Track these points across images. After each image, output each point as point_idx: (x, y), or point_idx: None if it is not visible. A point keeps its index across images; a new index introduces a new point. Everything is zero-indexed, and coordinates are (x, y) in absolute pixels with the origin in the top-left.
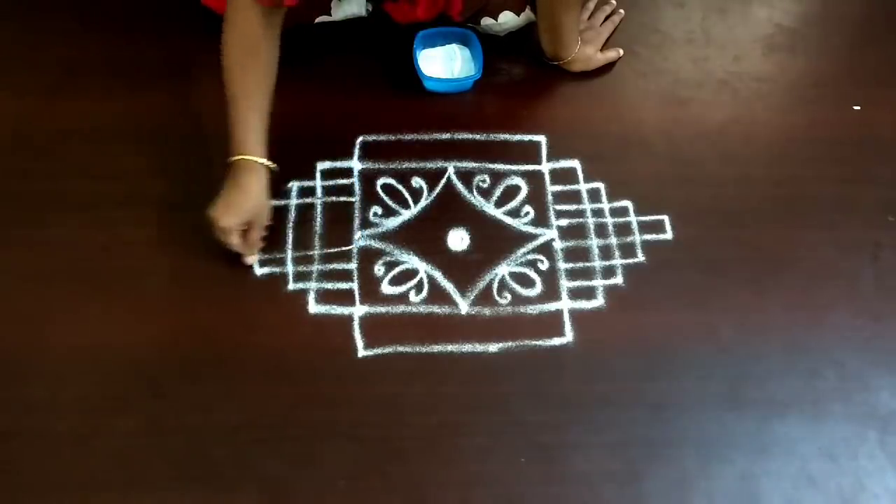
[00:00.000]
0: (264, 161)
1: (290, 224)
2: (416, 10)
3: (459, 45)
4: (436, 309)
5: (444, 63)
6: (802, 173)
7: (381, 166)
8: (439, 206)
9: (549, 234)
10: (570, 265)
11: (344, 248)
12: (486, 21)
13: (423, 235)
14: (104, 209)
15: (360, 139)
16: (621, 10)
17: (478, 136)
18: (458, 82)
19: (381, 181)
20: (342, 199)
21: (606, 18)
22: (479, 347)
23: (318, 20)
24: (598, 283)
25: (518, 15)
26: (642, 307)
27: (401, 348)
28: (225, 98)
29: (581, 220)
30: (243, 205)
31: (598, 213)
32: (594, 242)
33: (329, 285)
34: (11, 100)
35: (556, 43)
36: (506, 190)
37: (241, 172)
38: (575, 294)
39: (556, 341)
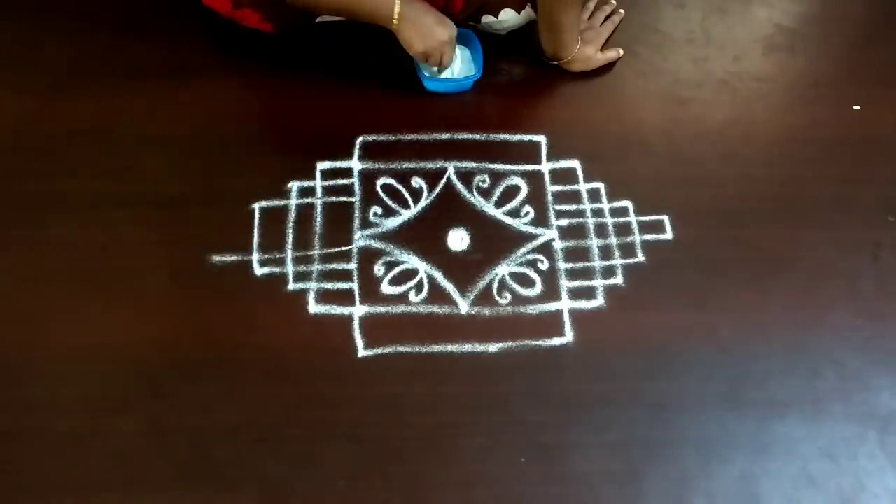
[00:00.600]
0: None
1: (290, 224)
2: None
3: (459, 44)
4: (436, 309)
5: None
6: (802, 173)
7: (381, 166)
8: (439, 206)
9: (549, 234)
10: (570, 265)
11: (344, 248)
12: (487, 19)
13: (423, 235)
14: (104, 209)
15: (360, 139)
16: (621, 10)
17: (478, 136)
18: (458, 82)
19: (381, 181)
20: (342, 199)
21: (606, 18)
22: (479, 347)
23: (318, 20)
24: (598, 283)
25: (519, 13)
26: (642, 307)
27: (401, 348)
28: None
29: (581, 220)
30: (436, 22)
31: (598, 213)
32: (594, 242)
33: (329, 285)
34: (12, 100)
35: (555, 43)
36: (506, 190)
37: (410, 13)
38: (575, 294)
39: (556, 341)
